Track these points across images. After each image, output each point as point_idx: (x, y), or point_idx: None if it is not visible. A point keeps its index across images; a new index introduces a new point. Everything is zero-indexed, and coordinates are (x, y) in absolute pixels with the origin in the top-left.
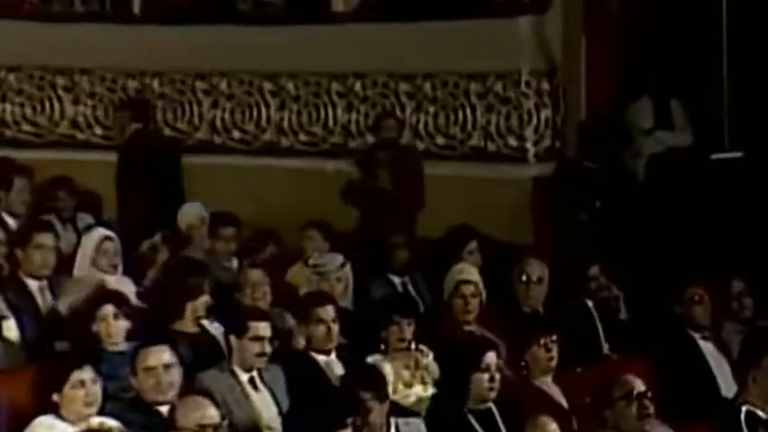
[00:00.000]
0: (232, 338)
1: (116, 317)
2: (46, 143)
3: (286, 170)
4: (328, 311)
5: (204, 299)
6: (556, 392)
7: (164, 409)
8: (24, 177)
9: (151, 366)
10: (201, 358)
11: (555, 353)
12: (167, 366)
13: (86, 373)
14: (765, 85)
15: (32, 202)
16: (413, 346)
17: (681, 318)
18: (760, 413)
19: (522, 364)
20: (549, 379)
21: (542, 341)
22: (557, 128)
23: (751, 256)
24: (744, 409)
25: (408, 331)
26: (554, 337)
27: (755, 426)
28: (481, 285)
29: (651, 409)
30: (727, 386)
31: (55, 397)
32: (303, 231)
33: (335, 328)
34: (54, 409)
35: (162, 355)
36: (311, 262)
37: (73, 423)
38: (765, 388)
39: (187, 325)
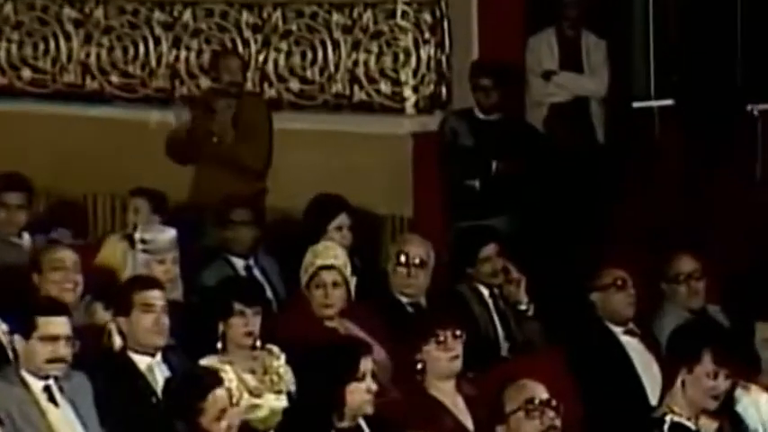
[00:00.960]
0: (16, 338)
1: None
2: None
3: (93, 120)
4: (157, 296)
5: None
6: (458, 403)
7: None
8: None
9: None
10: None
11: (459, 351)
12: None
13: None
14: (702, 15)
15: None
16: (258, 344)
17: (597, 308)
18: (688, 424)
19: (419, 367)
20: (448, 386)
21: (441, 337)
22: (441, 70)
23: (690, 228)
24: (668, 419)
25: (255, 323)
26: (457, 332)
27: None
28: (348, 271)
29: (557, 422)
30: (657, 393)
31: None
32: (129, 200)
33: (166, 318)
34: None
35: None
36: (138, 236)
37: None
38: (696, 395)
39: None
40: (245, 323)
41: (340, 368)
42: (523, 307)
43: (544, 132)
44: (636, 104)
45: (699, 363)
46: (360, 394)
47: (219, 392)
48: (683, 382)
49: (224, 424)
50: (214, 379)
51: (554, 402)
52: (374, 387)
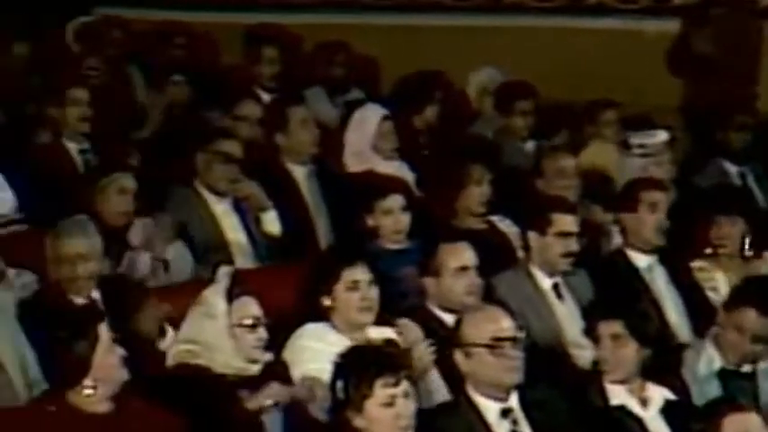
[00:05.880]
0: (531, 235)
1: (404, 209)
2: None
3: (592, 32)
4: (658, 197)
5: (480, 190)
6: None
7: (449, 319)
8: (273, 46)
9: (463, 266)
10: (490, 260)
11: None
12: (464, 269)
13: (360, 273)
14: None
15: (282, 72)
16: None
17: None
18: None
19: None
20: None
21: None
22: None
23: None
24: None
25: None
26: None
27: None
28: None
29: None
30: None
31: (325, 301)
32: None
33: (660, 218)
34: (324, 316)
35: (466, 253)
36: (632, 141)
37: (347, 333)
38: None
39: (466, 221)
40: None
41: None
42: None
43: None
44: None
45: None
46: None
47: None
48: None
49: None
50: None
51: None
52: None
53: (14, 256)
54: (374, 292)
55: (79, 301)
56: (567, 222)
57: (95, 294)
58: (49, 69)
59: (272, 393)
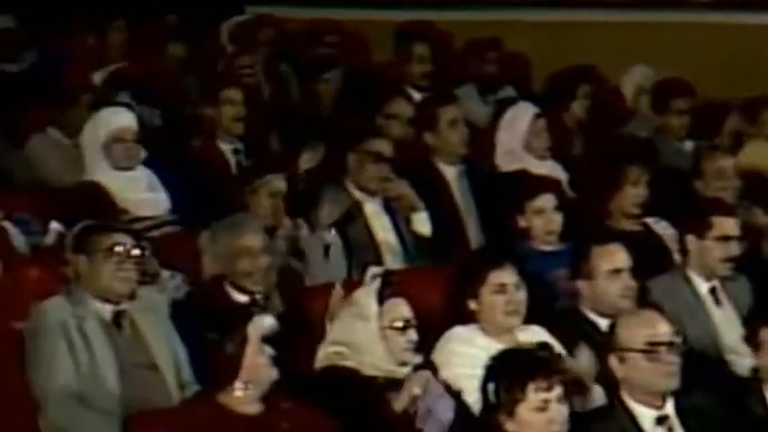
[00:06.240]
0: (689, 238)
1: (556, 210)
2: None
3: (755, 27)
4: None
5: (636, 191)
6: None
7: (603, 323)
8: (424, 44)
9: (616, 268)
10: (645, 262)
11: None
12: (618, 271)
13: (507, 276)
14: None
15: (433, 70)
16: None
17: None
18: None
19: None
20: None
21: None
22: None
23: None
24: None
25: None
26: None
27: None
28: None
29: None
30: None
31: (471, 304)
32: None
33: None
34: (471, 318)
35: (620, 255)
36: None
37: (495, 336)
38: None
39: (620, 222)
40: None
41: None
42: None
43: None
44: None
45: None
46: None
47: None
48: None
49: None
50: None
51: None
52: None
53: (167, 258)
54: (521, 295)
55: (245, 298)
56: (729, 226)
57: (259, 294)
58: (204, 70)
59: (418, 379)
